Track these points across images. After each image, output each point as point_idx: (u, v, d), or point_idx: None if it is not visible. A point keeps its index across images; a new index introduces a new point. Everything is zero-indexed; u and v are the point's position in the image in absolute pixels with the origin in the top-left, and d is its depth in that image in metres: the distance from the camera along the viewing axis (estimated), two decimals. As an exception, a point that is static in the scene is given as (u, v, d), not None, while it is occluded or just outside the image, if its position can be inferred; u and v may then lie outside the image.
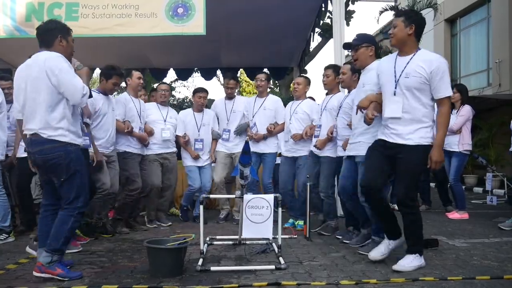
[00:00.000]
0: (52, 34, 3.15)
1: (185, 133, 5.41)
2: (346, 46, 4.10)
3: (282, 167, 5.11)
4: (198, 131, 5.43)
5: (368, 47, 3.77)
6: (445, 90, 3.15)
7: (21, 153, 4.54)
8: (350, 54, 4.03)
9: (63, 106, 3.06)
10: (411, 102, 3.19)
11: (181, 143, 5.41)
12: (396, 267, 3.15)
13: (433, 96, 3.19)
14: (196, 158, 5.38)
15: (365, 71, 3.81)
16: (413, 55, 3.22)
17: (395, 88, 3.23)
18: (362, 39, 3.80)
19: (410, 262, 3.18)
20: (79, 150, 3.18)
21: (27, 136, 3.11)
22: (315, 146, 4.58)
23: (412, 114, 3.19)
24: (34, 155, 3.09)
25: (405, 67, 3.20)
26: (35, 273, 3.00)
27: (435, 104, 3.28)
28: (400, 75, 3.21)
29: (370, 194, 3.34)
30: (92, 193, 4.03)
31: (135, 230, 4.84)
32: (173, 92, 19.81)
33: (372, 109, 3.39)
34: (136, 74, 4.97)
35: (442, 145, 3.21)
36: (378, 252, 3.37)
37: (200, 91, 5.58)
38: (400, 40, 3.25)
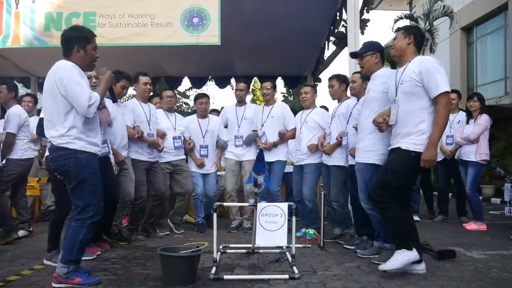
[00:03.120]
0: (69, 45, 3.14)
1: (190, 138, 5.40)
2: (353, 55, 4.20)
3: (295, 176, 5.11)
4: (203, 137, 5.42)
5: (373, 54, 3.83)
6: (437, 88, 3.16)
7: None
8: (358, 63, 4.09)
9: (74, 115, 3.03)
10: (405, 107, 3.29)
11: (186, 148, 5.39)
12: (382, 266, 3.22)
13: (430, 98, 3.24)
14: (201, 166, 5.37)
15: (372, 77, 3.88)
16: (408, 63, 3.34)
17: (396, 96, 3.37)
18: (367, 47, 3.88)
19: (395, 260, 3.20)
20: (92, 157, 3.12)
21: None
22: (323, 151, 4.65)
23: (407, 119, 3.28)
24: (50, 162, 3.15)
25: (402, 74, 3.33)
26: (54, 284, 3.00)
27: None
28: (398, 84, 3.34)
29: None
30: (114, 202, 4.06)
31: (151, 237, 4.85)
32: (187, 100, 19.95)
33: (383, 115, 3.48)
34: (142, 79, 4.87)
35: (435, 144, 3.20)
36: (386, 264, 3.33)
37: (201, 97, 5.57)
38: (399, 49, 3.42)
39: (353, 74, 4.52)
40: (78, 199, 3.06)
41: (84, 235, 3.03)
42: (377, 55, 3.82)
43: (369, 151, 3.72)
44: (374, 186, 3.38)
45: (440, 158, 6.19)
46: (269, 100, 5.41)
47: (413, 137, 3.25)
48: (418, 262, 3.30)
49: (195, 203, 5.47)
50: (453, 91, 6.29)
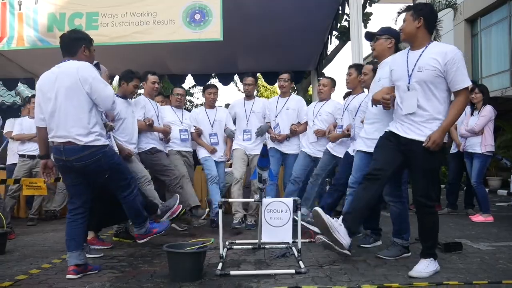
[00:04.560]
0: (76, 44, 3.29)
1: (195, 126, 5.40)
2: (368, 35, 3.96)
3: (299, 159, 5.11)
4: (212, 127, 5.43)
5: (388, 39, 3.71)
6: (463, 82, 3.02)
7: None
8: (370, 45, 3.92)
9: (95, 112, 3.23)
10: (425, 96, 3.08)
11: (194, 136, 5.40)
12: (412, 273, 3.06)
13: (449, 88, 3.08)
14: (213, 152, 5.36)
15: (381, 64, 3.75)
16: (425, 48, 3.12)
17: (409, 83, 3.13)
18: (384, 31, 3.76)
19: (425, 267, 3.08)
20: (111, 147, 3.49)
21: (56, 144, 3.19)
22: (328, 137, 4.72)
23: (427, 109, 3.08)
24: (70, 162, 3.16)
25: (418, 60, 3.10)
26: (138, 241, 3.70)
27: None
28: (413, 69, 3.11)
29: (373, 180, 3.23)
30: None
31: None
32: (191, 98, 19.97)
33: (386, 93, 3.33)
34: (151, 78, 4.98)
35: (447, 129, 3.11)
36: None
37: (209, 87, 5.60)
38: (409, 34, 3.18)
39: (365, 65, 4.40)
40: (120, 180, 3.38)
41: (138, 201, 3.51)
42: (392, 40, 3.69)
43: (373, 139, 3.57)
44: (422, 191, 3.13)
45: (453, 150, 6.17)
46: (285, 92, 5.40)
47: (434, 127, 3.06)
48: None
49: (210, 186, 5.31)
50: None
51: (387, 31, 3.74)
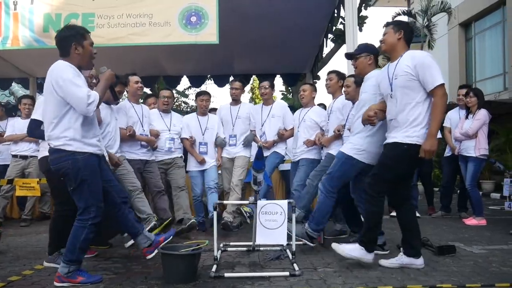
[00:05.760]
0: (66, 43, 3.11)
1: (191, 136, 5.35)
2: (348, 56, 4.23)
3: (292, 173, 5.12)
4: (203, 135, 5.37)
5: (367, 56, 3.86)
6: (433, 81, 3.21)
7: None
8: (352, 64, 4.10)
9: (70, 116, 3.03)
10: (401, 101, 3.30)
11: (186, 146, 5.35)
12: (334, 245, 3.48)
13: (426, 91, 3.27)
14: (202, 162, 5.33)
15: (364, 79, 3.91)
16: (400, 58, 3.38)
17: (391, 91, 3.39)
18: (362, 49, 3.92)
19: (351, 249, 3.38)
20: (90, 158, 3.09)
21: None
22: (320, 144, 4.72)
23: (403, 113, 3.29)
24: (50, 164, 3.15)
25: (395, 69, 3.37)
26: (56, 284, 3.03)
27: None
28: (392, 79, 3.37)
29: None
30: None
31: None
32: (186, 100, 19.91)
33: (374, 109, 3.52)
34: (132, 79, 4.83)
35: (434, 135, 3.24)
36: (388, 261, 3.43)
37: (202, 94, 5.53)
38: (390, 45, 3.47)
39: (347, 77, 4.53)
40: (79, 200, 3.08)
41: (85, 235, 3.05)
42: (370, 57, 3.86)
43: (359, 149, 3.73)
44: (369, 181, 3.41)
45: (447, 154, 6.21)
46: (267, 100, 5.40)
47: (405, 129, 3.28)
48: (417, 256, 3.35)
49: (195, 204, 5.42)
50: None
51: (364, 49, 3.91)
